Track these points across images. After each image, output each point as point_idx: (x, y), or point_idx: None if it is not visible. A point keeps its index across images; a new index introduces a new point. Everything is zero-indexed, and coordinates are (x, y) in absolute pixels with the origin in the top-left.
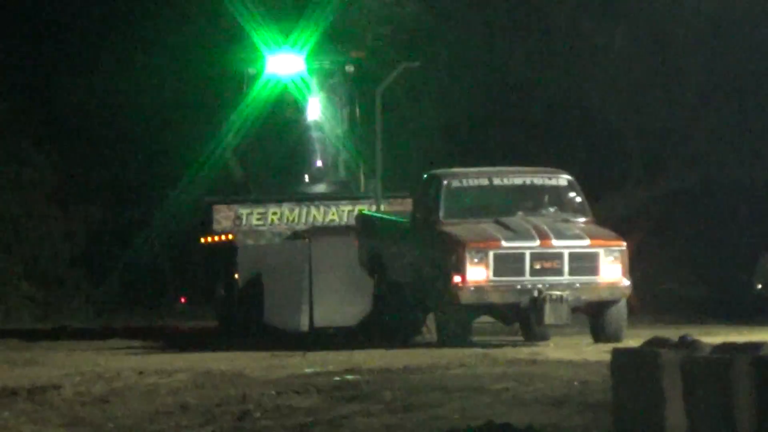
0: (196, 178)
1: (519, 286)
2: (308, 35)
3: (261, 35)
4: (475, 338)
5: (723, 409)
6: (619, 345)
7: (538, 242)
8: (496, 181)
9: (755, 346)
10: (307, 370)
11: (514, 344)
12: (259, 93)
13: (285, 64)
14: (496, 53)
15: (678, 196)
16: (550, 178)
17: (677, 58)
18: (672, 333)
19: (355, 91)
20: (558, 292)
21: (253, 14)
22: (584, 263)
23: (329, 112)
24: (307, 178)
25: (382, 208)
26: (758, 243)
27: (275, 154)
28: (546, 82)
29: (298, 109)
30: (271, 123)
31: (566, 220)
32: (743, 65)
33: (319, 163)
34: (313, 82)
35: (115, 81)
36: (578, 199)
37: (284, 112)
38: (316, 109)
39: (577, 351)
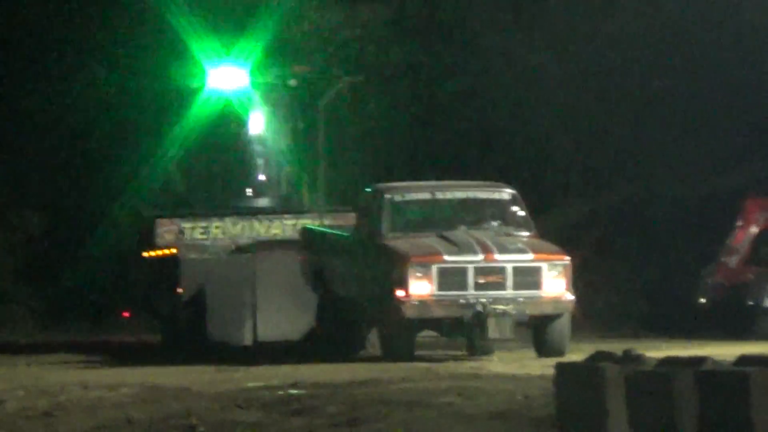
0: (139, 192)
1: (462, 301)
2: (251, 49)
3: (203, 49)
4: (419, 353)
5: (667, 423)
6: (563, 359)
7: (481, 256)
8: (439, 195)
9: (698, 361)
10: (251, 385)
11: (458, 359)
12: (201, 107)
13: (227, 78)
14: (437, 67)
15: (620, 210)
16: (493, 192)
17: (615, 73)
18: (616, 347)
19: (297, 105)
20: (501, 307)
21: (195, 28)
22: (527, 277)
23: (272, 126)
24: (250, 192)
25: (325, 222)
26: (700, 257)
27: (218, 167)
28: (486, 98)
29: (241, 123)
30: (214, 137)
31: (509, 234)
32: (682, 80)
33: (262, 177)
34: (256, 96)
35: (58, 89)
36: (521, 213)
37: (227, 126)
38: (258, 123)
39: (520, 365)
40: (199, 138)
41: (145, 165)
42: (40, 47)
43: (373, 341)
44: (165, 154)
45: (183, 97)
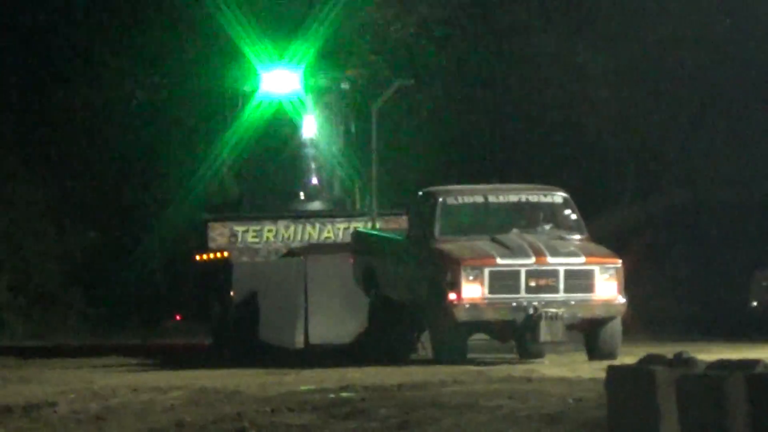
0: (192, 196)
1: (514, 304)
2: (304, 53)
3: (256, 53)
4: (471, 355)
5: (718, 426)
6: (614, 362)
7: (533, 259)
8: (492, 199)
9: (750, 364)
10: (303, 388)
11: (510, 362)
12: (254, 110)
13: (280, 82)
14: (491, 71)
15: (672, 214)
16: (545, 196)
17: (671, 77)
18: (667, 350)
19: (350, 108)
20: (553, 310)
21: (248, 32)
22: (580, 280)
23: (325, 130)
24: (302, 195)
25: (377, 225)
26: (752, 260)
27: (271, 171)
28: (541, 100)
29: (294, 126)
30: (267, 140)
31: (561, 238)
32: (736, 84)
33: (314, 181)
34: (309, 100)
35: (111, 98)
36: (573, 217)
37: (279, 130)
38: (311, 126)
39: (572, 368)
40: (252, 142)
41: (198, 169)
42: (94, 56)
43: (425, 344)
44: (218, 159)
45: (236, 101)
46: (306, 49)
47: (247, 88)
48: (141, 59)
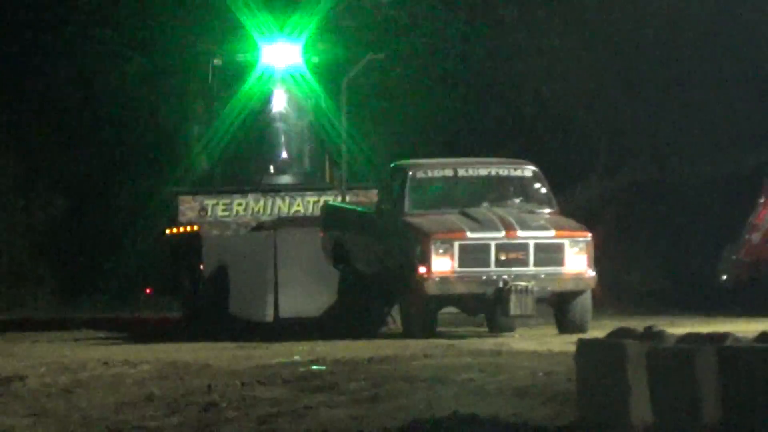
0: (162, 169)
1: (484, 277)
2: (272, 27)
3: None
4: (440, 329)
5: (688, 399)
6: (584, 336)
7: (503, 233)
8: (462, 172)
9: (720, 337)
10: (273, 362)
11: (479, 335)
12: (221, 83)
13: (280, 55)
14: (460, 47)
15: (642, 188)
16: (515, 169)
17: (639, 51)
18: (637, 324)
19: (320, 82)
20: (523, 283)
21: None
22: (549, 254)
23: (294, 103)
24: (272, 168)
25: (347, 199)
26: (722, 234)
27: (240, 144)
28: (510, 74)
29: (263, 100)
30: (236, 114)
31: (531, 211)
32: (705, 58)
33: (284, 154)
34: (278, 73)
35: (82, 69)
36: (543, 190)
37: (249, 103)
38: (281, 100)
39: (541, 342)
40: (222, 115)
41: (168, 142)
42: (66, 24)
43: (395, 318)
44: (188, 132)
45: (207, 74)
46: (306, 22)
47: (217, 60)
48: (113, 28)
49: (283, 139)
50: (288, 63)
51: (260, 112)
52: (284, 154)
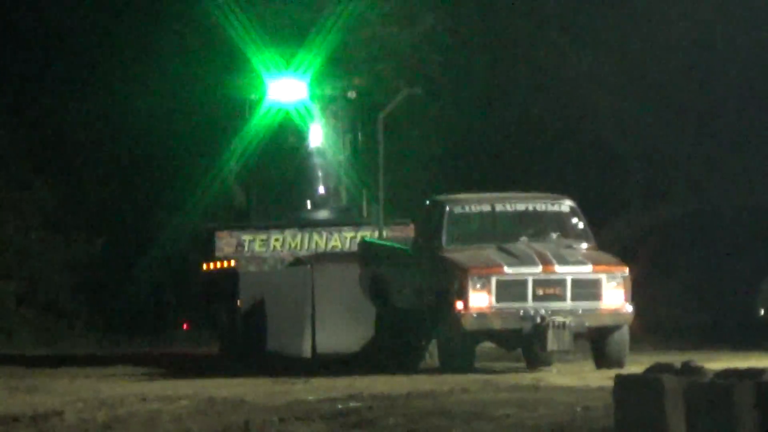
0: (198, 205)
1: (522, 312)
2: (310, 61)
3: (262, 61)
4: (478, 364)
5: None
6: (622, 371)
7: (540, 268)
8: (499, 207)
9: (758, 372)
10: (310, 397)
11: (517, 370)
12: (260, 119)
13: (287, 91)
14: (498, 80)
15: (679, 221)
16: (552, 204)
17: (676, 82)
18: (675, 359)
19: (357, 117)
20: (561, 318)
21: (255, 40)
22: (587, 289)
23: (331, 139)
24: (309, 204)
25: (384, 234)
26: (760, 268)
27: (277, 180)
28: (548, 108)
29: (300, 135)
30: (273, 149)
31: (569, 246)
32: (744, 90)
33: (321, 190)
34: (315, 109)
35: (117, 107)
36: (580, 225)
37: (286, 138)
38: (318, 135)
39: (579, 377)
40: (259, 150)
41: (204, 178)
42: (100, 64)
43: (432, 353)
44: (224, 168)
45: (242, 109)
46: (313, 57)
47: (253, 96)
48: (148, 67)
49: (320, 174)
50: (295, 98)
51: (297, 147)
52: (321, 190)
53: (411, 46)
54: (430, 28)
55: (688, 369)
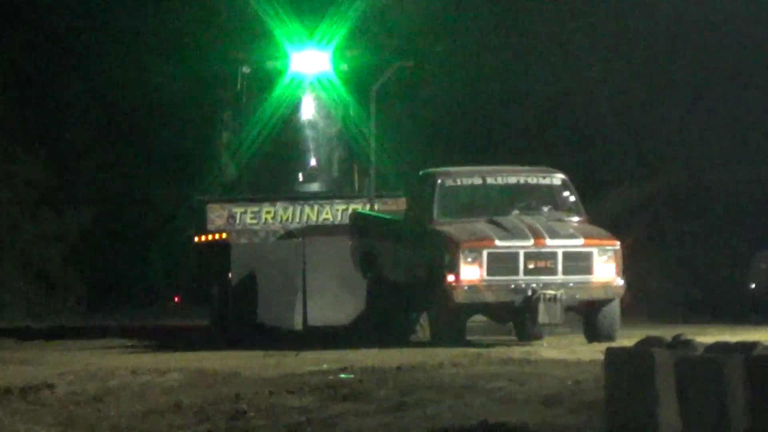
0: (190, 177)
1: (513, 286)
2: (335, 32)
3: (283, 33)
4: (469, 337)
5: (716, 408)
6: (613, 344)
7: (532, 241)
8: (490, 180)
9: (749, 346)
10: (301, 370)
11: (508, 344)
12: (254, 91)
13: (307, 63)
14: (489, 54)
15: (671, 196)
16: (544, 177)
17: (668, 58)
18: (666, 333)
19: (349, 90)
20: (552, 292)
21: (270, 13)
22: (578, 262)
23: (323, 111)
24: (300, 176)
25: (376, 207)
26: (751, 242)
27: (269, 152)
28: (539, 83)
29: (292, 107)
30: (265, 122)
31: (560, 220)
32: (735, 64)
33: (312, 162)
34: (308, 81)
35: (109, 80)
36: (572, 198)
37: (279, 111)
38: (309, 108)
39: (570, 350)
40: (251, 123)
41: (197, 150)
42: (93, 38)
43: (424, 326)
44: (216, 140)
45: (236, 82)
46: (335, 29)
47: (246, 69)
48: (140, 41)
49: (311, 146)
50: (317, 70)
51: (289, 119)
52: (313, 162)
53: (403, 19)
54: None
55: (678, 343)
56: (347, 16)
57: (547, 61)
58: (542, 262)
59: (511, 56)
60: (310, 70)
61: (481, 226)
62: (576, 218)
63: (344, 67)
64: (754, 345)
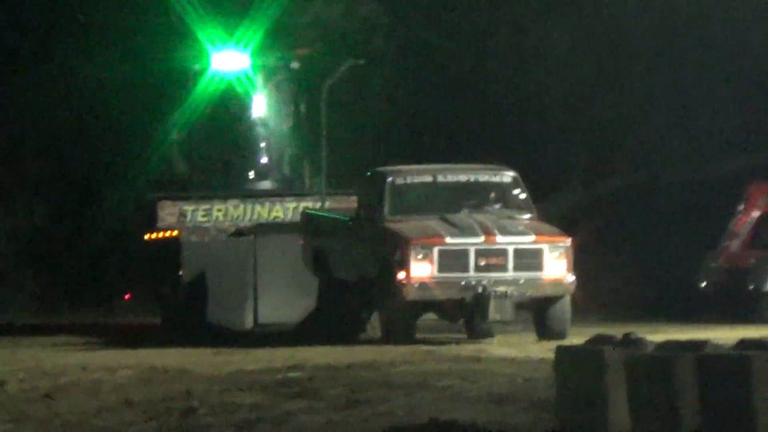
0: (141, 175)
1: (463, 282)
2: (253, 32)
3: (206, 32)
4: (420, 336)
5: (666, 407)
6: (564, 342)
7: (482, 238)
8: (440, 178)
9: (699, 344)
10: (252, 368)
11: (459, 342)
12: (203, 89)
13: (230, 61)
14: (440, 51)
15: (623, 194)
16: (494, 175)
17: (621, 55)
18: (617, 331)
19: (300, 88)
20: (502, 288)
21: (199, 11)
22: (529, 259)
23: (274, 109)
24: (251, 174)
25: (326, 204)
26: (702, 241)
27: (219, 150)
28: (489, 80)
29: (243, 105)
30: (216, 119)
31: (511, 217)
32: (688, 61)
33: (263, 160)
34: (258, 79)
35: (60, 77)
36: (522, 196)
37: (229, 109)
38: (260, 105)
39: (521, 348)
40: (201, 120)
41: (146, 148)
42: (43, 29)
43: (374, 324)
44: (167, 137)
45: (185, 79)
46: (256, 28)
47: (197, 66)
48: (92, 33)
49: (262, 144)
50: (238, 68)
51: (239, 117)
52: (264, 160)
53: (353, 17)
54: (372, 11)
55: (629, 341)
56: (272, 16)
57: (501, 58)
58: (493, 258)
59: (464, 53)
60: (232, 68)
61: (432, 223)
62: (527, 215)
63: (295, 65)
64: (704, 343)
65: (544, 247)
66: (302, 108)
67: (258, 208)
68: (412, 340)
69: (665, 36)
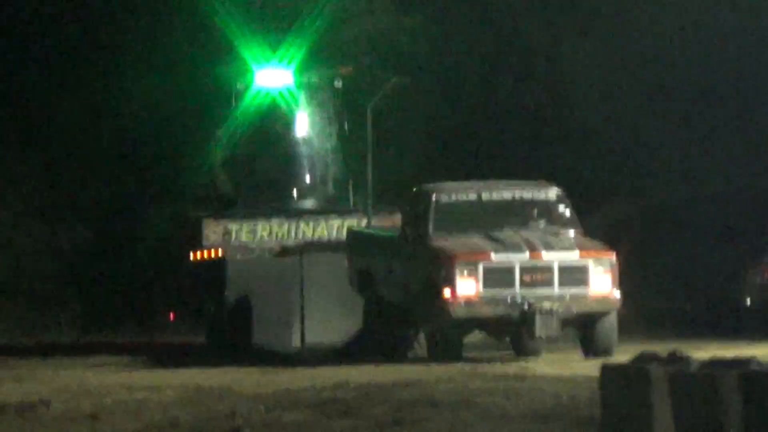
0: (185, 193)
1: (509, 299)
2: (297, 49)
3: (249, 49)
4: (466, 354)
5: (712, 424)
6: (609, 360)
7: (527, 254)
8: (485, 195)
9: (744, 362)
10: (296, 386)
11: (504, 359)
12: (247, 106)
13: (273, 78)
14: (485, 69)
15: (666, 209)
16: (539, 191)
17: (664, 71)
18: (661, 348)
19: (343, 106)
20: (548, 305)
21: (242, 29)
22: (574, 275)
23: (318, 127)
24: (296, 193)
25: (371, 222)
26: (747, 257)
27: (264, 168)
28: (535, 97)
29: (287, 122)
30: (260, 137)
31: (556, 233)
32: (730, 78)
33: (308, 178)
34: (302, 97)
35: (104, 96)
36: (567, 212)
37: (273, 127)
38: (304, 123)
39: (566, 366)
40: (246, 138)
41: (190, 166)
42: (87, 52)
43: (421, 343)
44: (211, 155)
45: (229, 97)
46: (299, 45)
47: (241, 84)
48: (135, 55)
49: (306, 162)
50: (281, 85)
51: (284, 135)
52: (308, 178)
53: (398, 39)
54: (418, 21)
55: (674, 358)
56: (315, 33)
57: (544, 75)
58: (538, 275)
59: (508, 70)
60: (275, 84)
61: (477, 240)
62: (571, 231)
63: (339, 83)
64: (749, 361)
65: (590, 262)
66: (346, 126)
67: (303, 226)
68: (458, 358)
69: (709, 49)
